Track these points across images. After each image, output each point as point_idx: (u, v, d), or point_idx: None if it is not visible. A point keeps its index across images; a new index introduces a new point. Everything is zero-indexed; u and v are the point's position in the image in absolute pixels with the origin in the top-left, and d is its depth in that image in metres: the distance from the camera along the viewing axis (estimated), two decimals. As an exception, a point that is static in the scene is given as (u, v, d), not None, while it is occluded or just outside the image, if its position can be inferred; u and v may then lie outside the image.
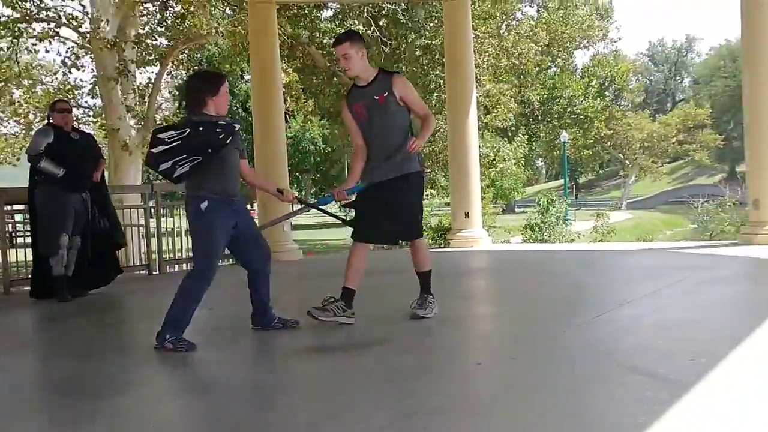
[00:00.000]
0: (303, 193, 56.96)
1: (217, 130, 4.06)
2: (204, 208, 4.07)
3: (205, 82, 4.26)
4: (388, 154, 4.45)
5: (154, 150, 4.04)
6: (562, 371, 3.22)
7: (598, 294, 5.68)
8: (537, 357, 3.57)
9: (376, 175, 4.48)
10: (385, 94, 4.46)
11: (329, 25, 20.22)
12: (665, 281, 5.85)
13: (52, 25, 15.44)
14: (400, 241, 5.09)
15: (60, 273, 6.26)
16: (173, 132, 4.06)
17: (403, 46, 18.71)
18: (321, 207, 4.84)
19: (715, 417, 2.44)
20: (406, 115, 4.57)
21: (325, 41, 20.35)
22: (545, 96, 38.62)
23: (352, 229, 4.61)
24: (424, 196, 4.59)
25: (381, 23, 18.51)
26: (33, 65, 19.43)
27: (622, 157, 53.26)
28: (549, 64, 33.55)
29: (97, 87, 15.62)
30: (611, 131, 47.73)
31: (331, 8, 20.04)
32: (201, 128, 4.04)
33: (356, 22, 19.03)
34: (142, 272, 8.88)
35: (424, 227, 4.77)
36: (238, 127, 4.22)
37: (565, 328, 4.13)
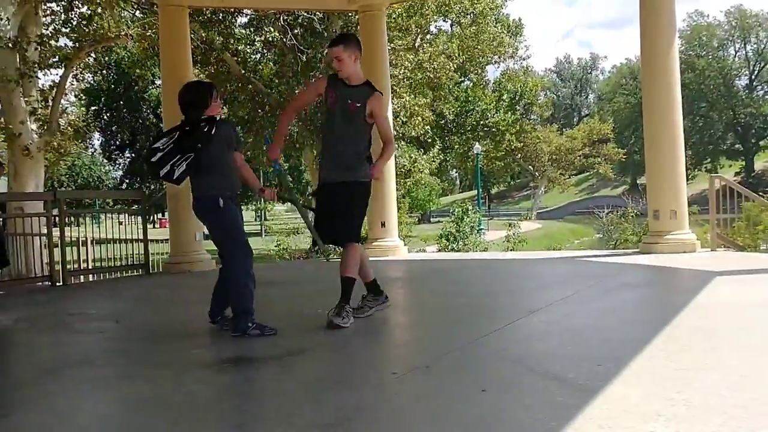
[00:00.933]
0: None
1: (201, 124, 4.30)
2: (222, 204, 4.37)
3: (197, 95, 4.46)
4: (337, 158, 4.63)
5: (153, 159, 4.25)
6: (475, 378, 3.25)
7: (511, 302, 5.79)
8: (451, 365, 3.60)
9: (326, 176, 4.69)
10: (358, 104, 4.58)
11: (244, 32, 19.97)
12: (574, 288, 6.03)
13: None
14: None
15: None
16: (165, 138, 4.30)
17: (319, 55, 18.67)
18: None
19: (620, 420, 2.51)
20: (367, 130, 4.68)
21: (239, 48, 20.08)
22: (459, 109, 39.41)
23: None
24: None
25: (297, 32, 18.42)
26: None
27: (532, 168, 54.99)
28: (462, 78, 34.26)
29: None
30: (522, 144, 49.26)
31: (247, 15, 19.78)
32: (187, 128, 4.30)
33: (272, 29, 18.89)
34: (44, 283, 8.47)
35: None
36: (220, 119, 4.53)
37: (478, 336, 4.18)
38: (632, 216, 20.06)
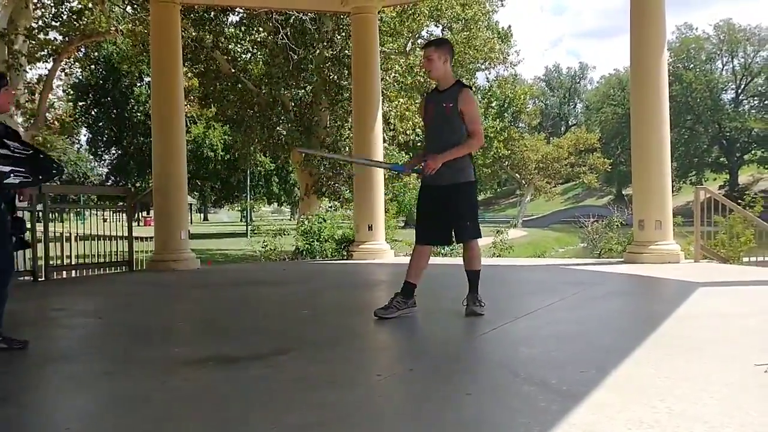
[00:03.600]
0: (204, 201, 55.67)
1: (54, 166, 4.39)
2: None
3: None
4: (446, 162, 4.79)
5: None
6: (460, 382, 3.26)
7: (495, 307, 5.79)
8: (435, 368, 3.60)
9: (429, 178, 4.84)
10: (451, 105, 4.80)
11: (234, 31, 19.92)
12: (559, 295, 6.06)
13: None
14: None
15: None
16: (18, 144, 4.16)
17: (311, 55, 18.65)
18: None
19: (603, 427, 2.53)
20: (465, 129, 4.85)
21: (230, 47, 20.01)
22: (448, 114, 39.39)
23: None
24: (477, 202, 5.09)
25: (288, 32, 18.38)
26: None
27: (519, 176, 55.16)
28: (452, 83, 34.31)
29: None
30: (509, 151, 49.38)
31: (238, 13, 19.74)
32: (42, 156, 4.31)
33: (262, 29, 18.85)
34: (26, 278, 8.39)
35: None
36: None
37: (463, 340, 4.19)
38: (617, 225, 20.16)
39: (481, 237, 5.05)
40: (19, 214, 6.62)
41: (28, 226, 8.83)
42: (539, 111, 70.66)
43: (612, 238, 18.59)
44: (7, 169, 4.06)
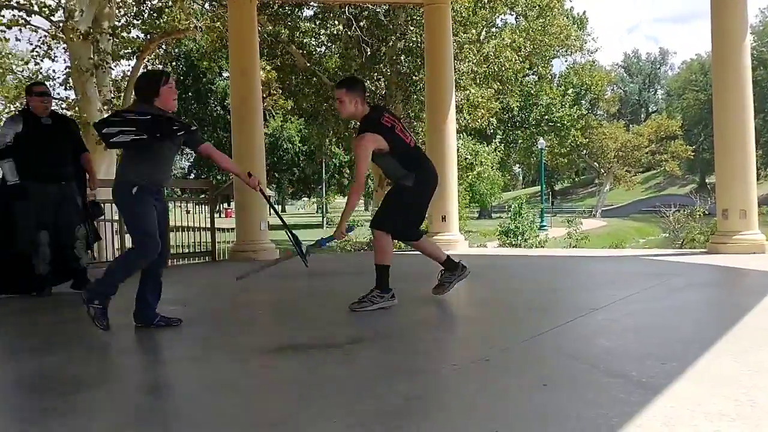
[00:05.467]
0: (281, 194, 56.68)
1: (175, 126, 4.41)
2: (134, 192, 4.32)
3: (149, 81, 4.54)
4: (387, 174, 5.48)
5: (111, 118, 4.52)
6: (535, 373, 3.25)
7: (572, 298, 5.74)
8: (511, 359, 3.60)
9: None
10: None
11: (310, 25, 20.18)
12: (637, 287, 5.93)
13: (23, 12, 15.16)
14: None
15: (46, 271, 6.13)
16: (134, 114, 4.40)
17: (384, 48, 18.72)
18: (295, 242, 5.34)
19: (684, 419, 2.48)
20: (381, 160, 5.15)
21: (305, 41, 20.29)
22: (522, 103, 38.95)
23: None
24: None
25: (362, 24, 18.50)
26: (2, 54, 19.06)
27: (597, 165, 53.91)
28: (528, 72, 33.81)
29: (70, 79, 15.39)
30: (587, 140, 48.30)
31: (312, 8, 19.99)
32: (164, 119, 4.38)
33: (336, 23, 19.02)
34: (114, 268, 8.77)
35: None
36: (194, 128, 4.68)
37: (538, 332, 4.17)
38: (700, 215, 19.51)
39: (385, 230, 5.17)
40: (107, 206, 6.94)
41: (116, 218, 9.25)
42: (618, 98, 68.79)
43: (694, 228, 18.00)
44: (115, 130, 4.29)
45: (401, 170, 5.13)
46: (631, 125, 63.82)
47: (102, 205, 6.89)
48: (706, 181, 60.09)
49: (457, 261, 5.52)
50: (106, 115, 14.34)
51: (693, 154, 55.90)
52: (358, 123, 5.17)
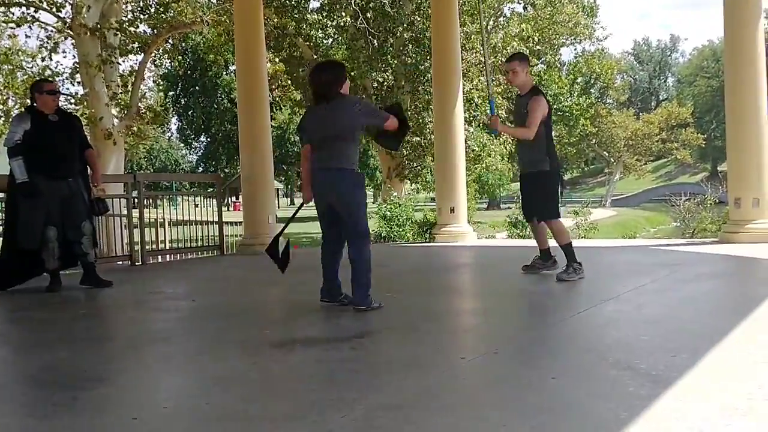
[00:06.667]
0: (289, 186, 56.68)
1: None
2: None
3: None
4: (523, 153, 5.96)
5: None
6: (544, 365, 3.23)
7: (581, 290, 5.70)
8: (520, 351, 3.58)
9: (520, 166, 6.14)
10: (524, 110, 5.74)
11: (316, 17, 20.13)
12: (648, 278, 5.88)
13: (31, 9, 15.20)
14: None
15: (55, 266, 6.15)
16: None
17: (392, 39, 18.65)
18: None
19: (695, 413, 2.45)
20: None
21: (312, 33, 20.24)
22: (531, 93, 38.63)
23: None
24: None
25: (369, 15, 18.43)
26: (13, 50, 19.11)
27: (607, 154, 53.61)
28: (536, 62, 33.60)
29: (78, 74, 15.42)
30: (596, 129, 48.01)
31: None
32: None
33: (343, 14, 18.96)
34: (124, 263, 8.81)
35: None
36: None
37: (548, 324, 4.14)
38: (711, 204, 19.36)
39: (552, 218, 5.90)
40: (116, 201, 6.91)
41: (125, 212, 9.28)
42: (628, 86, 68.37)
43: (706, 218, 17.87)
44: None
45: (543, 153, 5.71)
46: (641, 113, 63.33)
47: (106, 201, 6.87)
48: (718, 169, 59.65)
49: (552, 255, 6.13)
50: (112, 110, 14.41)
51: (704, 142, 55.43)
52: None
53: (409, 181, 20.18)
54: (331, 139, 4.56)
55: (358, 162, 4.64)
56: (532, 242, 6.64)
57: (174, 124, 48.99)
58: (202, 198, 11.28)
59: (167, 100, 37.46)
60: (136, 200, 8.83)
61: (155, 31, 16.74)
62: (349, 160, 4.58)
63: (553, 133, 5.94)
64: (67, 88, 16.80)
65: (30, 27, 15.67)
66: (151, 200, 9.92)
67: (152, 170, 52.11)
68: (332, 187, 4.59)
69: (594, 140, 50.43)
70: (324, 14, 20.26)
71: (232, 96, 40.14)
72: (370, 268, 4.61)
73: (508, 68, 5.89)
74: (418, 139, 18.55)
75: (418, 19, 17.99)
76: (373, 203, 45.78)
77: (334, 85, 4.60)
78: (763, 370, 2.98)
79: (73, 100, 15.87)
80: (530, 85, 5.89)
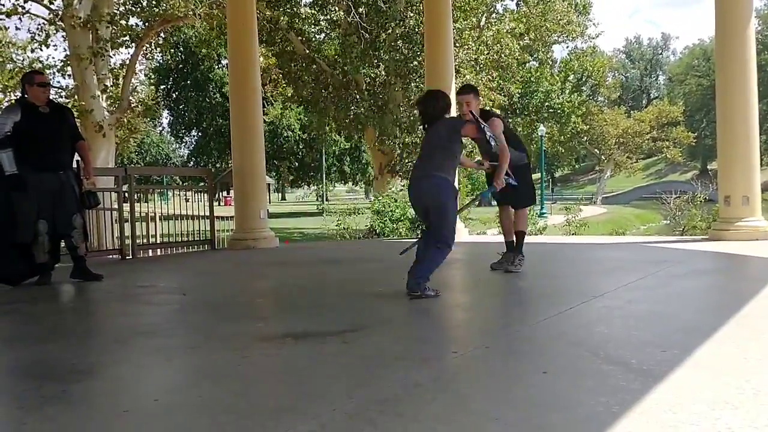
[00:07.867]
0: (280, 181, 56.59)
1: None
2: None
3: None
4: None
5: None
6: (536, 360, 3.24)
7: (572, 286, 5.72)
8: (511, 346, 3.58)
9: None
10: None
11: (309, 11, 20.06)
12: (638, 274, 5.91)
13: (21, 0, 15.05)
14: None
15: (44, 260, 6.10)
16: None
17: (384, 35, 18.62)
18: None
19: (686, 406, 2.46)
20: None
21: (304, 28, 20.18)
22: (522, 90, 38.78)
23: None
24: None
25: (361, 11, 18.39)
26: (3, 42, 18.94)
27: (598, 152, 53.77)
28: (529, 59, 33.65)
29: (69, 66, 15.31)
30: (588, 126, 48.13)
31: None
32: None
33: (336, 9, 18.92)
34: (114, 256, 8.77)
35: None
36: None
37: (539, 319, 4.15)
38: (701, 202, 19.43)
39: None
40: (106, 194, 6.87)
41: (116, 206, 9.24)
42: (619, 84, 68.53)
43: (696, 215, 17.95)
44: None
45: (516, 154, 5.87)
46: (632, 111, 63.54)
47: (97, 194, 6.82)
48: (708, 167, 60.01)
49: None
50: (103, 103, 14.33)
51: (695, 140, 55.71)
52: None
53: (400, 177, 20.18)
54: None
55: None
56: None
57: (165, 118, 48.81)
58: (193, 192, 11.23)
59: (158, 94, 37.29)
60: (126, 194, 8.78)
61: (147, 24, 16.65)
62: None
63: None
64: (58, 81, 16.71)
65: (20, 18, 15.52)
66: (141, 194, 9.85)
67: (143, 164, 51.87)
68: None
69: (585, 138, 50.55)
70: (316, 9, 20.22)
71: (224, 90, 40.03)
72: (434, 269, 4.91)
73: (462, 100, 5.99)
74: (409, 139, 18.53)
75: (411, 14, 17.96)
76: (364, 199, 45.80)
77: None
78: (752, 364, 3.00)
79: (63, 93, 15.76)
80: (478, 112, 5.95)
